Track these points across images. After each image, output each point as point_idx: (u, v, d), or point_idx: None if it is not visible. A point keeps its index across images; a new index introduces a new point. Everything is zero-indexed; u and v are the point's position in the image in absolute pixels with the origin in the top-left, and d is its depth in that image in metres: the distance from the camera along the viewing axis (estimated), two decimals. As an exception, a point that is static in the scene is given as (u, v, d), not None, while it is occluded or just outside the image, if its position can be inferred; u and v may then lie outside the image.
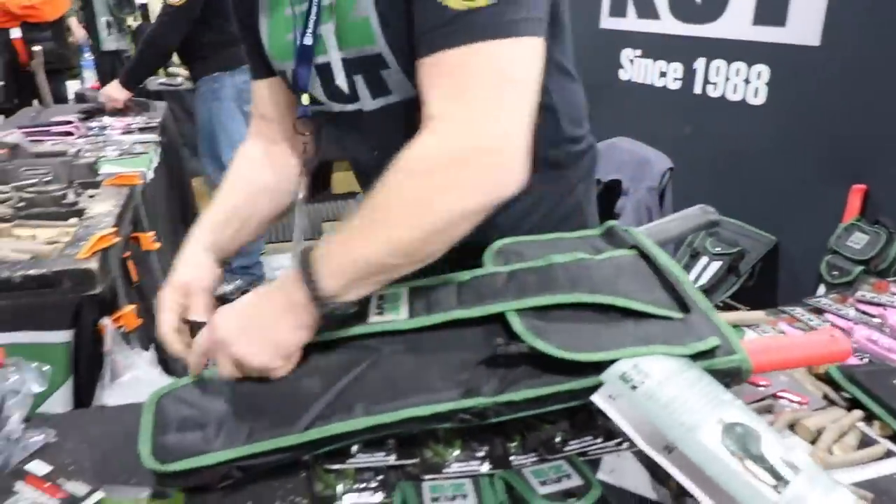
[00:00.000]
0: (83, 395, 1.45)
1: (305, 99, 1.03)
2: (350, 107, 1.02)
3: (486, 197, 0.80)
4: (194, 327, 0.95)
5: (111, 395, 1.41)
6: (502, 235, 1.00)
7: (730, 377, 0.76)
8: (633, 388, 0.69)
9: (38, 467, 0.78)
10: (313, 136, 1.12)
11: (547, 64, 0.95)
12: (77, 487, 0.75)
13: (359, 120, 1.03)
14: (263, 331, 0.82)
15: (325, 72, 0.99)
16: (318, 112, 1.07)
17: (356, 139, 1.11)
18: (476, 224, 0.81)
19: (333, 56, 0.96)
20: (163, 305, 0.97)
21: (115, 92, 3.45)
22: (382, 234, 0.80)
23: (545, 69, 0.96)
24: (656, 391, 0.69)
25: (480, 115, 0.80)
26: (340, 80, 0.99)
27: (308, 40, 0.95)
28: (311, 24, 0.94)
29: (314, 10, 0.93)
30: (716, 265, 2.40)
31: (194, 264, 1.04)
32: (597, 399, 0.71)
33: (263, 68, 1.13)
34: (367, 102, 0.99)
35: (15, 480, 0.75)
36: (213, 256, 1.07)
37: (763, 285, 2.35)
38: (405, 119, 0.92)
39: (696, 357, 0.75)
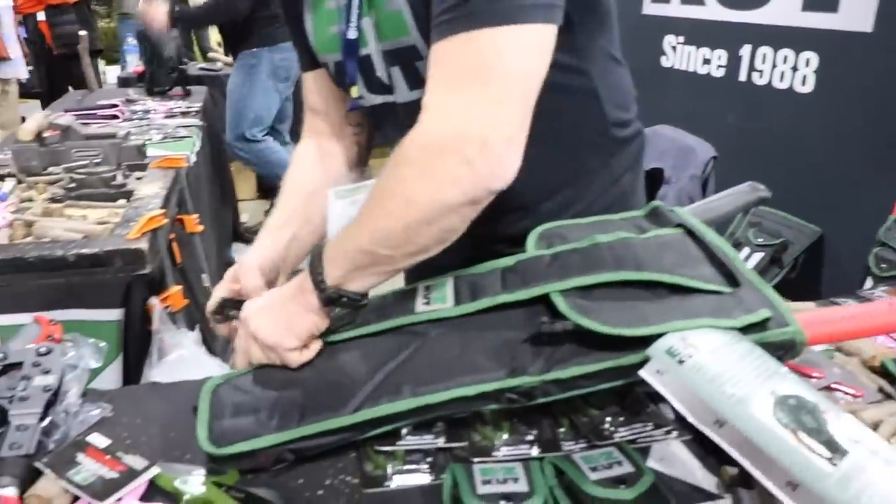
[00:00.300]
0: (131, 373, 1.48)
1: (355, 91, 1.04)
2: (387, 98, 1.04)
3: (473, 191, 0.79)
4: None
5: (158, 373, 1.45)
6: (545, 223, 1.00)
7: (783, 350, 0.75)
8: (681, 361, 0.69)
9: (98, 440, 0.79)
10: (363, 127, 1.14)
11: (590, 49, 0.98)
12: (135, 461, 0.76)
13: (393, 112, 1.05)
14: (277, 311, 0.87)
15: (367, 64, 1.00)
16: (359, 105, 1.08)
17: (391, 131, 1.10)
18: (468, 217, 0.82)
19: (373, 48, 0.98)
20: (216, 289, 1.00)
21: (159, 15, 3.48)
22: (371, 225, 0.83)
23: (588, 54, 0.99)
24: (704, 364, 0.68)
25: (466, 104, 0.79)
26: (381, 72, 1.00)
27: (352, 34, 0.96)
28: (353, 18, 0.94)
29: (356, 2, 0.93)
30: (758, 256, 2.38)
31: (247, 265, 1.06)
32: (644, 374, 0.71)
33: (310, 60, 1.14)
34: (403, 94, 1.01)
35: (77, 452, 0.76)
36: (266, 257, 1.09)
37: (807, 277, 2.32)
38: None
39: (746, 330, 0.74)
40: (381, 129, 1.14)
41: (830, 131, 2.26)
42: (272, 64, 3.62)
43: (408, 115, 0.98)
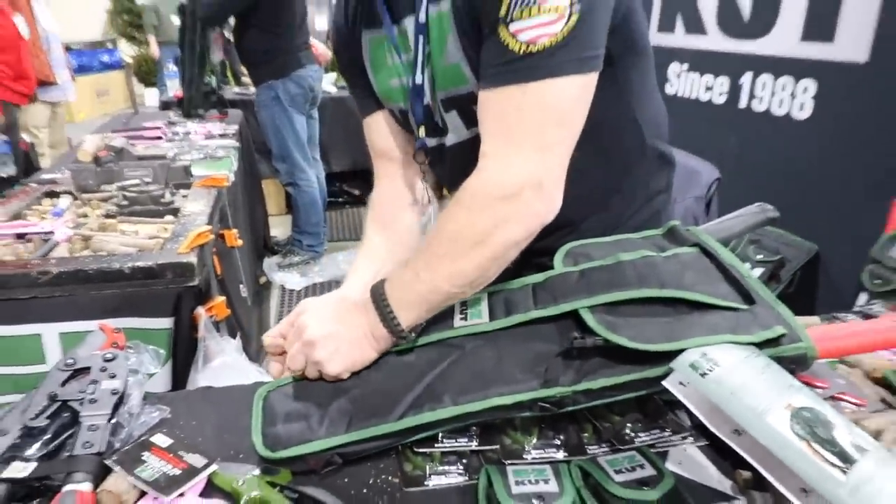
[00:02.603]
0: (179, 377, 1.50)
1: (422, 132, 1.05)
2: (440, 140, 1.05)
3: (531, 226, 0.85)
4: None
5: (204, 378, 1.46)
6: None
7: (795, 364, 0.76)
8: (703, 375, 0.70)
9: (161, 440, 0.80)
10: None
11: (630, 81, 0.99)
12: (195, 460, 0.77)
13: (440, 154, 1.07)
14: (345, 347, 0.87)
15: (426, 111, 1.02)
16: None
17: (438, 170, 1.14)
18: (524, 246, 0.86)
19: (430, 98, 1.00)
20: (278, 326, 0.99)
21: None
22: (447, 269, 0.85)
23: (633, 93, 1.01)
24: (725, 378, 0.69)
25: (525, 154, 0.83)
26: (437, 118, 1.02)
27: (419, 79, 0.98)
28: (419, 68, 0.97)
29: (420, 57, 0.96)
30: (758, 272, 2.36)
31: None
32: (668, 384, 0.72)
33: (374, 104, 1.14)
34: (458, 135, 1.02)
35: (143, 451, 0.78)
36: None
37: (803, 292, 2.30)
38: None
39: (762, 345, 0.75)
40: (432, 168, 1.15)
41: (826, 155, 2.24)
42: (288, 94, 3.64)
43: (452, 155, 1.03)
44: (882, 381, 0.94)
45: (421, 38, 0.95)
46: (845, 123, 2.18)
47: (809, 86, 2.29)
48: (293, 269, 3.91)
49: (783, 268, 2.33)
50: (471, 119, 0.97)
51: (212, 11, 3.45)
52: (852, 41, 2.11)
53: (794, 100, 2.36)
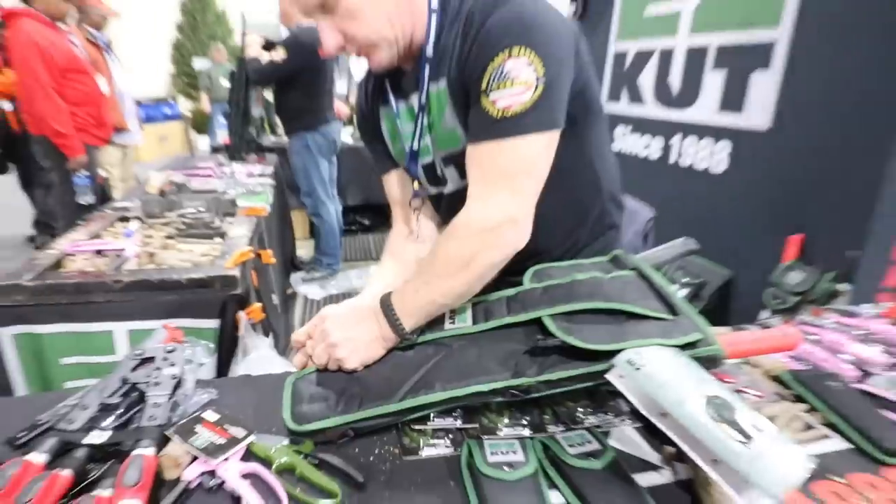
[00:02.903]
0: (223, 367, 1.50)
1: (416, 185, 1.10)
2: (440, 189, 1.07)
3: (507, 253, 0.86)
4: None
5: (243, 368, 1.46)
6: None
7: (709, 362, 0.76)
8: (637, 369, 0.70)
9: (210, 416, 0.81)
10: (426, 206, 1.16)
11: (587, 137, 1.00)
12: (237, 432, 0.78)
13: (440, 199, 1.08)
14: (361, 347, 0.88)
15: (431, 167, 1.04)
16: (423, 193, 1.12)
17: (439, 211, 1.14)
18: (499, 269, 0.88)
19: (434, 156, 1.01)
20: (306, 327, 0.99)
21: (254, 45, 3.52)
22: (441, 285, 0.87)
23: (591, 147, 1.02)
24: (654, 372, 0.70)
25: (501, 196, 0.85)
26: (439, 171, 1.03)
27: (415, 146, 1.01)
28: (416, 138, 1.00)
29: (418, 129, 0.99)
30: (684, 292, 2.37)
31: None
32: (610, 377, 0.73)
33: (391, 164, 1.14)
34: (453, 184, 1.03)
35: (195, 424, 0.78)
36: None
37: (719, 308, 2.31)
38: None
39: (683, 347, 0.75)
40: (438, 212, 1.15)
41: (737, 201, 2.27)
42: (316, 144, 3.64)
43: (450, 201, 1.04)
44: (777, 379, 0.95)
45: (421, 114, 0.96)
46: (752, 176, 2.21)
47: (725, 146, 2.33)
48: (314, 282, 3.90)
49: (703, 289, 2.34)
50: (464, 172, 0.96)
51: (261, 76, 3.50)
52: (757, 112, 2.16)
53: (712, 157, 2.39)
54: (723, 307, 2.33)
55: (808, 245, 1.98)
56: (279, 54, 3.43)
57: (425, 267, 0.89)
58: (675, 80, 2.57)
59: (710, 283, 2.35)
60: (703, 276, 2.38)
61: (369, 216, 5.13)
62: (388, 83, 1.04)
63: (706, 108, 2.40)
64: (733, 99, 2.26)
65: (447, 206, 1.06)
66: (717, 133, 2.36)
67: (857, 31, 1.81)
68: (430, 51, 0.92)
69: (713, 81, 2.36)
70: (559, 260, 1.01)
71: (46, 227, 3.69)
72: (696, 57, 2.45)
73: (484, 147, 0.86)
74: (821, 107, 1.93)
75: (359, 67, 5.93)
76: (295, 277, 3.92)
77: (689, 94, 2.49)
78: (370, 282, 1.12)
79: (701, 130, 2.44)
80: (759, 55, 2.12)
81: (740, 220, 2.26)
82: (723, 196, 2.34)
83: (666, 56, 2.63)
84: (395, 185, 1.16)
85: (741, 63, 2.22)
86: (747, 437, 0.63)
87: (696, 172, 2.48)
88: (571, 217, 1.06)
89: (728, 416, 0.65)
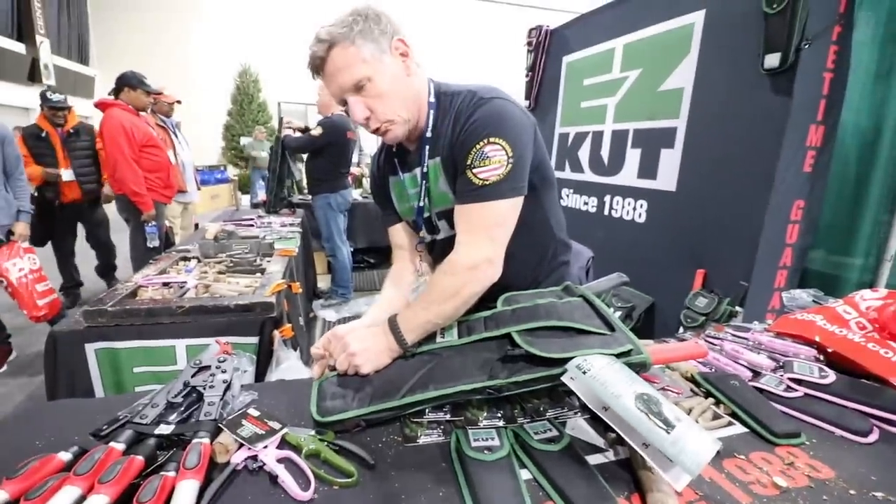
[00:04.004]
0: (260, 375, 1.45)
1: (422, 234, 1.09)
2: (434, 236, 1.08)
3: (485, 284, 0.89)
4: None
5: (276, 375, 1.42)
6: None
7: (639, 367, 0.77)
8: (584, 372, 0.71)
9: (254, 412, 0.79)
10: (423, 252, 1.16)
11: (543, 197, 1.04)
12: (274, 424, 0.77)
13: (434, 245, 1.10)
14: (374, 356, 0.87)
15: (430, 221, 1.05)
16: (425, 240, 1.12)
17: (433, 253, 1.15)
18: (477, 299, 0.90)
19: (432, 212, 1.03)
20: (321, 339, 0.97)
21: (291, 133, 3.65)
22: (435, 310, 0.88)
23: (546, 205, 1.05)
24: (597, 374, 0.70)
25: (481, 242, 0.89)
26: (435, 223, 1.05)
27: (421, 204, 1.03)
28: (421, 198, 1.02)
29: (422, 192, 1.01)
30: (618, 313, 2.40)
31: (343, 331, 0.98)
32: (564, 379, 0.73)
33: (396, 219, 1.14)
34: (444, 233, 1.05)
35: (242, 418, 0.77)
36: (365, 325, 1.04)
37: (645, 326, 2.32)
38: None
39: (619, 356, 0.76)
40: (430, 253, 1.15)
41: (655, 244, 2.30)
42: (336, 202, 3.65)
43: (442, 245, 1.06)
44: (691, 379, 0.96)
45: (423, 182, 1.00)
46: (665, 225, 2.25)
47: (644, 203, 2.37)
48: (331, 308, 3.85)
49: (633, 311, 2.36)
50: (453, 224, 0.98)
51: (300, 145, 3.57)
52: (666, 178, 2.21)
53: (635, 211, 2.43)
54: (648, 325, 2.35)
55: (709, 277, 2.01)
56: (317, 131, 3.49)
57: (424, 296, 0.90)
58: (605, 154, 2.64)
59: (638, 307, 2.37)
60: (632, 302, 2.40)
61: (374, 256, 5.13)
62: (396, 160, 1.06)
63: (628, 175, 2.45)
64: (648, 169, 2.32)
65: (440, 249, 1.07)
66: (637, 193, 2.40)
67: (732, 120, 1.89)
68: (429, 133, 0.96)
69: (633, 156, 2.42)
70: (524, 289, 1.01)
71: (73, 288, 3.73)
72: (619, 138, 2.51)
73: (469, 207, 0.89)
74: (711, 174, 1.99)
75: (370, 144, 6.05)
76: (316, 304, 3.87)
77: (615, 165, 2.55)
78: (377, 304, 1.11)
79: (625, 191, 2.49)
80: (665, 137, 2.20)
81: (658, 258, 2.30)
82: (644, 240, 2.37)
83: (597, 137, 2.70)
84: (397, 234, 1.16)
85: (653, 143, 2.28)
86: (670, 425, 0.63)
87: (624, 222, 2.51)
88: (533, 256, 1.08)
89: (654, 409, 0.66)
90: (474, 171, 0.87)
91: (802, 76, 1.65)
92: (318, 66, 0.89)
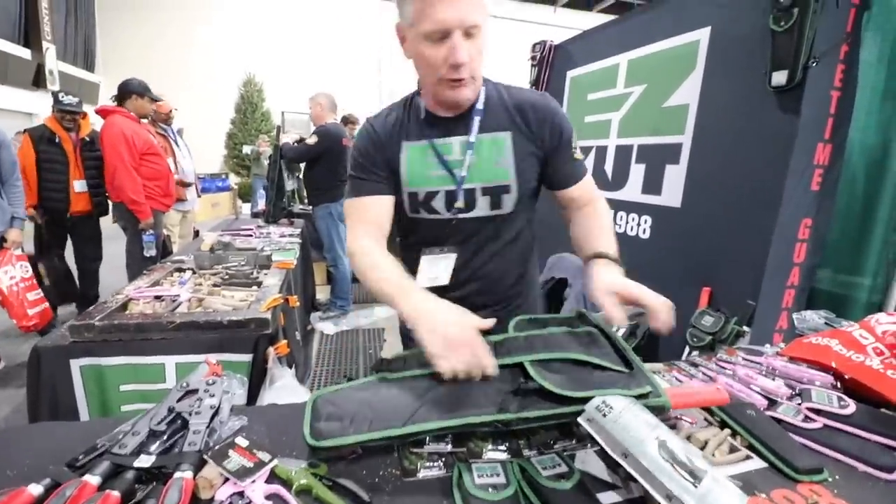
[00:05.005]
0: (253, 393, 1.40)
1: (459, 205, 1.00)
2: (467, 214, 1.01)
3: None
4: None
5: (269, 394, 1.37)
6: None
7: (657, 411, 0.72)
8: (604, 415, 0.67)
9: (241, 441, 0.74)
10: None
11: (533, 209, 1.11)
12: (263, 455, 0.72)
13: (448, 222, 1.03)
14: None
15: (471, 193, 1.00)
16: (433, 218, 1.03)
17: (441, 230, 1.05)
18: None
19: (478, 186, 1.00)
20: None
21: (289, 140, 3.66)
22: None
23: (534, 216, 1.13)
24: (618, 417, 0.66)
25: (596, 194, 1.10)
26: (476, 198, 1.00)
27: (465, 173, 0.98)
28: (465, 167, 0.98)
29: (467, 161, 0.98)
30: (622, 331, 2.35)
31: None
32: (581, 421, 0.68)
33: (386, 190, 1.01)
34: (481, 212, 1.01)
35: (229, 449, 0.72)
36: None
37: (650, 344, 2.28)
38: (490, 224, 1.03)
39: (638, 397, 0.72)
40: (432, 234, 1.05)
41: (660, 259, 2.27)
42: (337, 211, 3.64)
43: (465, 223, 1.03)
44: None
45: (469, 151, 0.97)
46: (670, 242, 2.22)
47: (648, 219, 2.35)
48: (329, 321, 3.79)
49: (639, 328, 2.31)
50: (496, 203, 1.01)
51: (297, 154, 3.57)
52: (671, 195, 2.19)
53: (639, 227, 2.41)
54: (653, 343, 2.30)
55: (715, 295, 1.98)
56: (313, 139, 3.49)
57: (607, 229, 1.06)
58: (609, 169, 2.61)
59: (642, 324, 2.30)
60: (637, 319, 2.35)
61: (374, 267, 5.09)
62: (422, 124, 1.00)
63: (633, 191, 2.43)
64: (653, 184, 2.30)
65: (456, 228, 1.03)
66: (642, 209, 2.38)
67: (738, 137, 1.87)
68: (479, 105, 0.98)
69: (637, 171, 2.40)
70: (514, 284, 1.05)
71: (66, 297, 3.48)
72: (623, 153, 2.50)
73: (583, 181, 1.07)
74: (717, 190, 1.96)
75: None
76: (314, 316, 3.82)
77: (619, 180, 2.53)
78: (404, 279, 0.91)
79: (630, 207, 2.47)
80: (670, 153, 2.17)
81: (663, 275, 2.25)
82: (649, 256, 2.35)
83: (601, 152, 2.68)
84: (380, 208, 1.01)
85: (657, 159, 2.26)
86: (697, 478, 0.59)
87: (628, 238, 2.48)
88: (528, 250, 1.14)
89: (680, 458, 0.61)
90: (575, 155, 1.03)
91: (810, 94, 1.63)
92: None
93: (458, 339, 0.72)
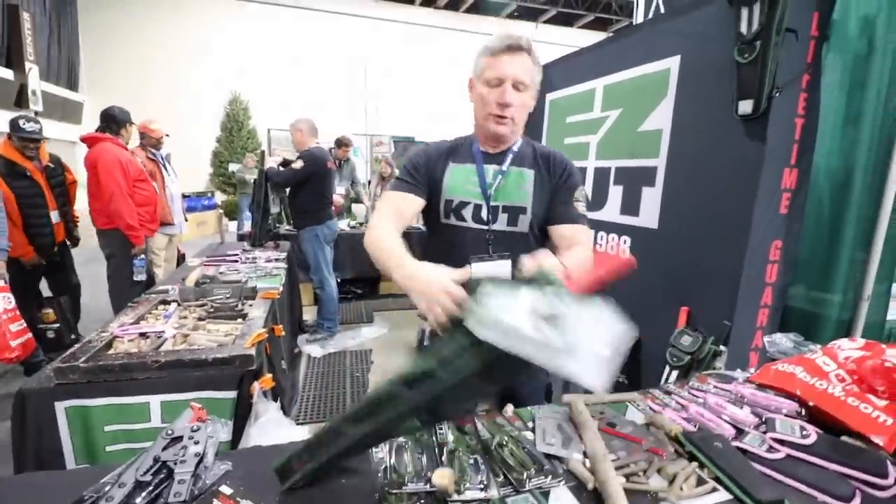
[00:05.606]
0: (238, 429, 1.39)
1: (485, 216, 1.25)
2: (481, 227, 1.24)
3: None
4: None
5: (254, 430, 1.36)
6: None
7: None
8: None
9: (225, 489, 0.76)
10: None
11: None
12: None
13: (466, 232, 1.25)
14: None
15: (494, 209, 1.23)
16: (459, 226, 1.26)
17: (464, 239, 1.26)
18: None
19: (500, 204, 1.24)
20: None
21: (272, 165, 3.62)
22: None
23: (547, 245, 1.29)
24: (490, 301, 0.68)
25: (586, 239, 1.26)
26: (497, 214, 1.24)
27: (492, 193, 1.23)
28: (495, 188, 1.23)
29: (497, 184, 1.23)
30: (604, 349, 2.37)
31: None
32: (469, 325, 0.67)
33: (420, 193, 1.25)
34: (500, 226, 1.23)
35: (213, 498, 0.74)
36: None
37: (632, 363, 2.31)
38: (507, 238, 1.23)
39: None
40: (454, 240, 1.27)
41: (640, 280, 2.24)
42: (323, 234, 3.66)
43: (490, 236, 1.24)
44: (675, 439, 0.94)
45: (500, 177, 1.23)
46: (648, 261, 2.24)
47: (627, 239, 2.39)
48: (316, 343, 3.78)
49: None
50: (514, 221, 1.23)
51: (282, 179, 3.57)
52: (648, 216, 2.23)
53: (618, 248, 2.45)
54: (635, 362, 2.33)
55: (693, 315, 2.02)
56: (299, 164, 3.51)
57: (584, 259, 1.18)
58: (588, 191, 2.64)
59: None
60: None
61: (360, 286, 5.10)
62: (477, 153, 1.26)
63: (612, 212, 2.47)
64: (630, 205, 2.34)
65: (477, 236, 1.24)
66: (621, 230, 2.42)
67: (709, 162, 1.93)
68: (515, 149, 1.27)
69: (616, 193, 2.44)
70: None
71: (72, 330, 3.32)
72: (602, 175, 2.55)
73: (574, 225, 1.24)
74: (691, 213, 2.01)
75: (362, 173, 6.06)
76: (301, 339, 3.81)
77: (599, 200, 2.57)
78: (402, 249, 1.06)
79: (609, 227, 2.50)
80: (646, 176, 2.23)
81: (643, 294, 2.28)
82: (629, 276, 2.33)
83: (581, 173, 2.73)
84: (409, 205, 1.23)
85: (634, 181, 2.32)
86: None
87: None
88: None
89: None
90: (576, 204, 1.23)
91: (775, 122, 1.70)
92: (526, 45, 1.14)
93: (436, 286, 0.81)
